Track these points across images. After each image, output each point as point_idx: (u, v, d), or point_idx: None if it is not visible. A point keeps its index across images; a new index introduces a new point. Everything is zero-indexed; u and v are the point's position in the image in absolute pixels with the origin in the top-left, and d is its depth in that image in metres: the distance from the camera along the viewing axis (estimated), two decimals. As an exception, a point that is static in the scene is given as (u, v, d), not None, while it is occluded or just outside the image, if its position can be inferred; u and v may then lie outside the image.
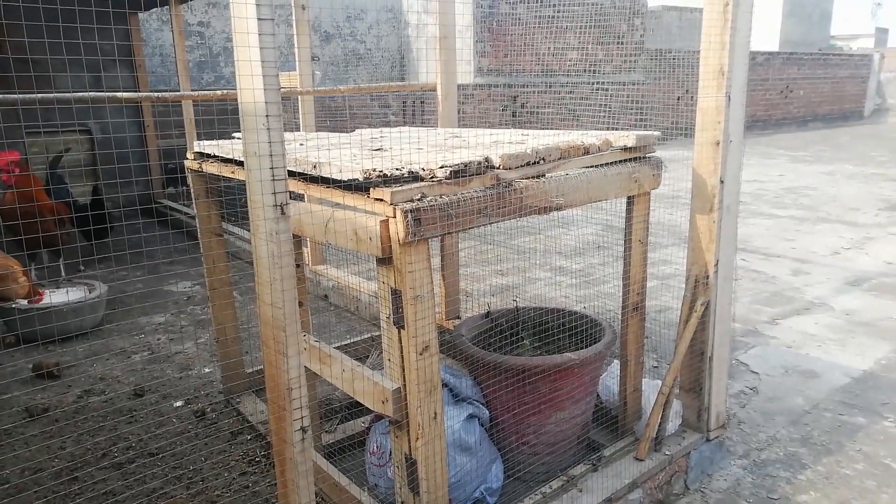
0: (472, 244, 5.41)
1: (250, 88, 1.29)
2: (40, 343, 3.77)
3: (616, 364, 2.56)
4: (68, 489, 2.42)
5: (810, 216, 6.78)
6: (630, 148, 2.19)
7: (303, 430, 1.42)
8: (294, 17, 4.31)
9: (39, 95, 2.75)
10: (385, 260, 1.69)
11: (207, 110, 6.20)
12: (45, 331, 3.74)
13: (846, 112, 18.27)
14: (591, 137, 2.17)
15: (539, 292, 4.46)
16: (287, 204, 1.34)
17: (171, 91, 7.70)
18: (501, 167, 1.85)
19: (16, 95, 2.73)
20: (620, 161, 2.17)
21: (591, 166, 2.10)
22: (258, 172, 1.32)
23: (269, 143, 1.30)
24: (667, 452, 2.33)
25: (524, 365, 2.19)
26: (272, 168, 1.31)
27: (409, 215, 1.61)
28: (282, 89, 1.36)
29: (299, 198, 2.36)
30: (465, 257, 4.82)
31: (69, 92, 4.49)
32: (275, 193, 1.32)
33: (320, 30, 11.35)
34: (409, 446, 1.77)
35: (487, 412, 2.31)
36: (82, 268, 5.18)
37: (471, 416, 2.23)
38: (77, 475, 2.51)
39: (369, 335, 3.47)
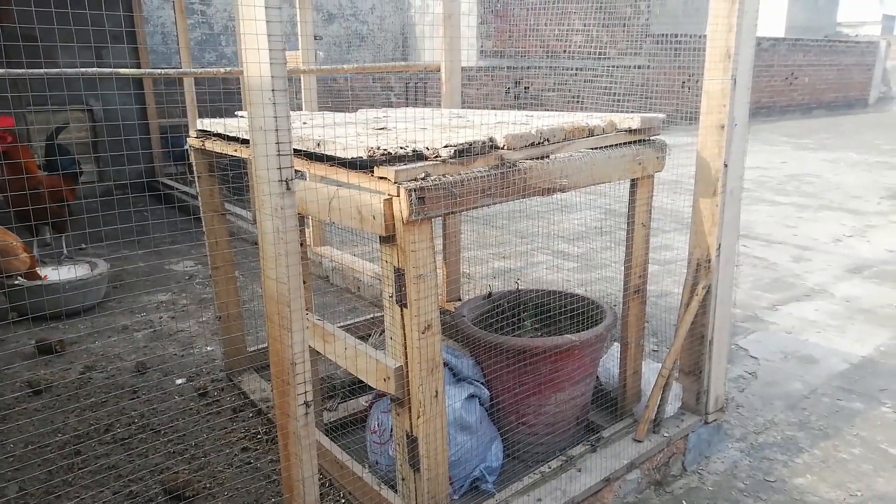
0: (473, 227, 5.41)
1: (256, 62, 1.28)
2: (48, 314, 3.78)
3: (616, 347, 2.57)
4: (71, 461, 2.45)
5: (812, 203, 6.77)
6: (635, 130, 2.18)
7: (306, 404, 1.44)
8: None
9: (44, 70, 2.74)
10: (388, 239, 1.69)
11: (201, 94, 6.13)
12: (48, 307, 3.75)
13: (851, 100, 18.16)
14: (595, 119, 2.16)
15: (540, 276, 4.46)
16: (293, 179, 1.34)
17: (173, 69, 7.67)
18: (506, 147, 1.85)
19: (19, 70, 2.72)
20: (625, 143, 2.17)
21: (596, 148, 2.09)
22: (264, 147, 1.31)
23: (276, 117, 1.29)
24: (665, 434, 2.35)
25: (525, 346, 2.20)
26: (278, 143, 1.31)
27: (413, 194, 1.61)
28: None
29: (301, 176, 2.36)
30: (466, 240, 4.82)
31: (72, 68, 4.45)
32: (280, 168, 1.32)
33: (323, 9, 11.25)
34: (411, 424, 1.78)
35: (487, 392, 2.32)
36: (84, 246, 5.17)
37: (471, 396, 2.24)
38: (80, 448, 2.53)
39: (371, 316, 3.49)
